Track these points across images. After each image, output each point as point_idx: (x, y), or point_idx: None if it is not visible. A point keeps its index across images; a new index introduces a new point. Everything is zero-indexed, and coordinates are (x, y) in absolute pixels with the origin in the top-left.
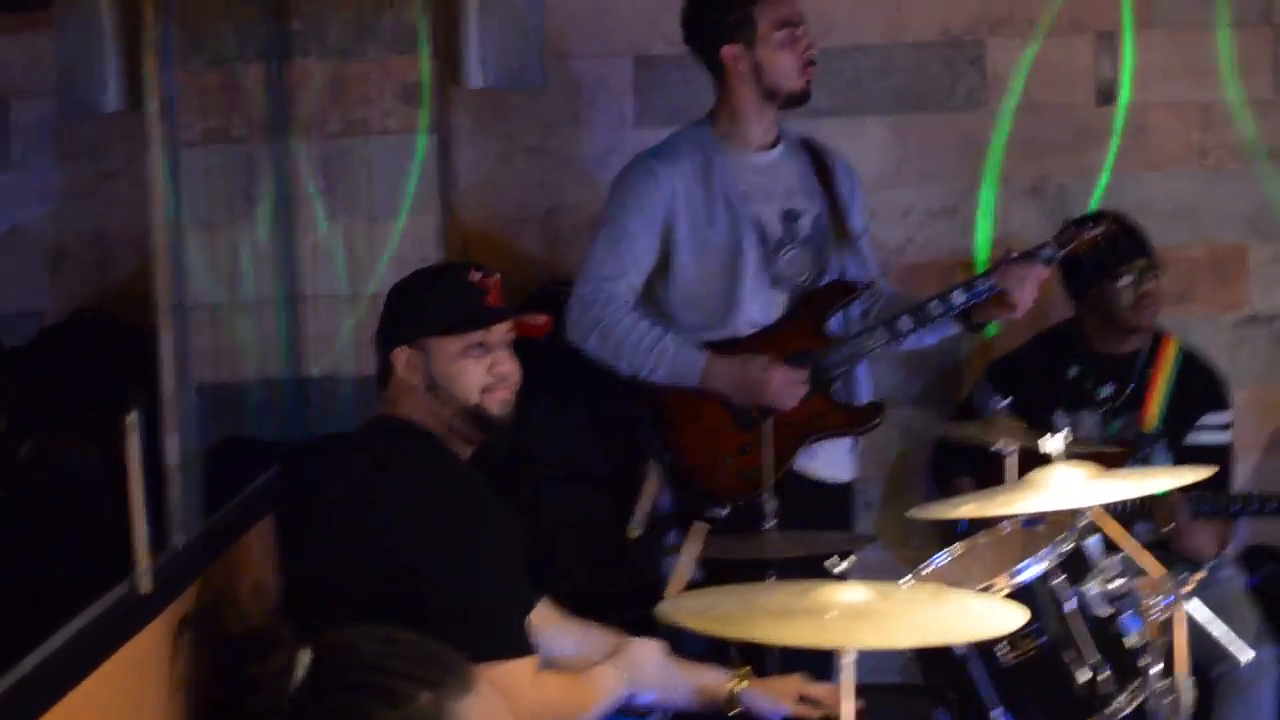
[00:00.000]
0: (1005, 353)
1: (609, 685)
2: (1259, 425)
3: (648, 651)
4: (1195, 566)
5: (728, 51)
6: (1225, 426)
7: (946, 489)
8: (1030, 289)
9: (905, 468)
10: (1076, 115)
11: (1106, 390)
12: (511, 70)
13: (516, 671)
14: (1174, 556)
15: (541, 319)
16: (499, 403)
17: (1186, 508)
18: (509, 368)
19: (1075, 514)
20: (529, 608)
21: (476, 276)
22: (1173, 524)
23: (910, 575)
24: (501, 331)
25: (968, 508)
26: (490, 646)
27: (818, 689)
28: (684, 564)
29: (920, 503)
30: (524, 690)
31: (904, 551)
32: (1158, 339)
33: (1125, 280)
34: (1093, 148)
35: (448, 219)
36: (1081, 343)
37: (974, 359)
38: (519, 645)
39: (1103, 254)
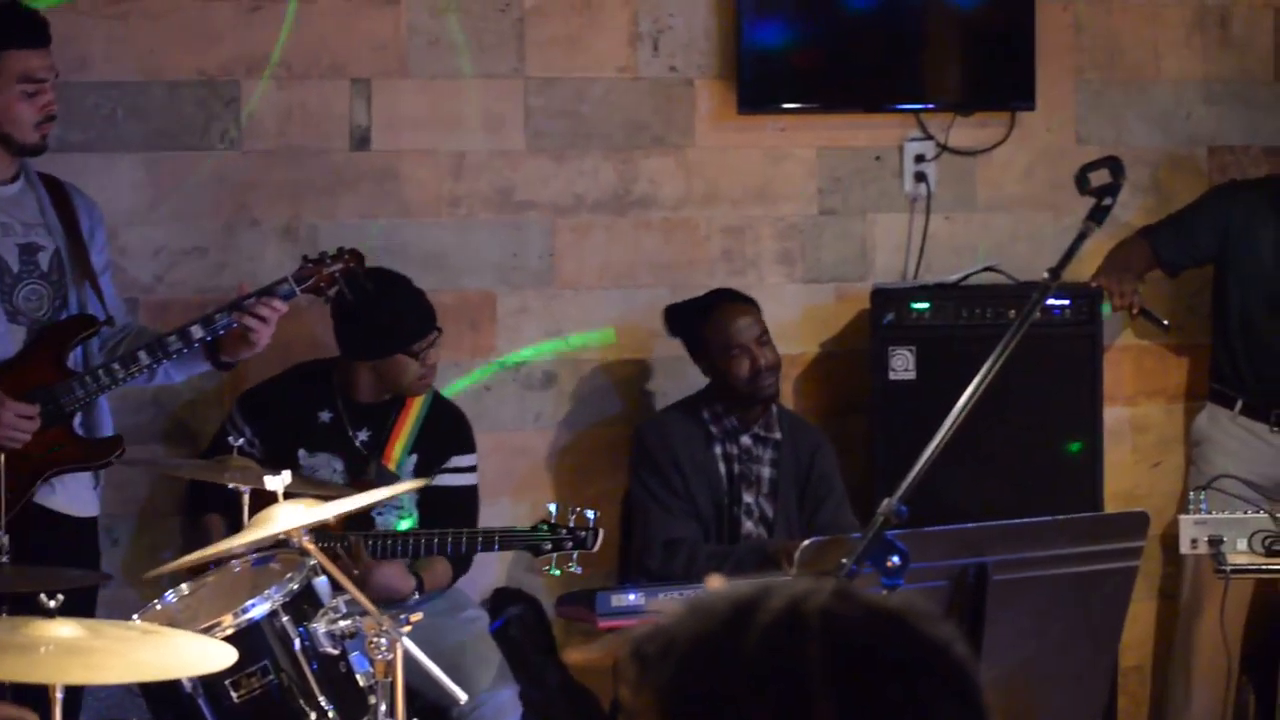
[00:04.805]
0: (259, 383)
1: None
2: (503, 469)
3: None
4: (417, 605)
5: None
6: (470, 469)
7: (195, 527)
8: (269, 325)
9: (157, 505)
10: (331, 160)
11: (363, 435)
12: None
13: None
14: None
15: None
16: None
17: (365, 551)
18: None
19: (304, 554)
20: None
21: None
22: (356, 570)
23: (137, 614)
24: None
25: (185, 560)
26: None
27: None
28: None
29: (174, 538)
30: None
31: (155, 590)
32: None
33: (423, 358)
34: (346, 192)
35: None
36: (342, 389)
37: (226, 394)
38: None
39: (404, 333)
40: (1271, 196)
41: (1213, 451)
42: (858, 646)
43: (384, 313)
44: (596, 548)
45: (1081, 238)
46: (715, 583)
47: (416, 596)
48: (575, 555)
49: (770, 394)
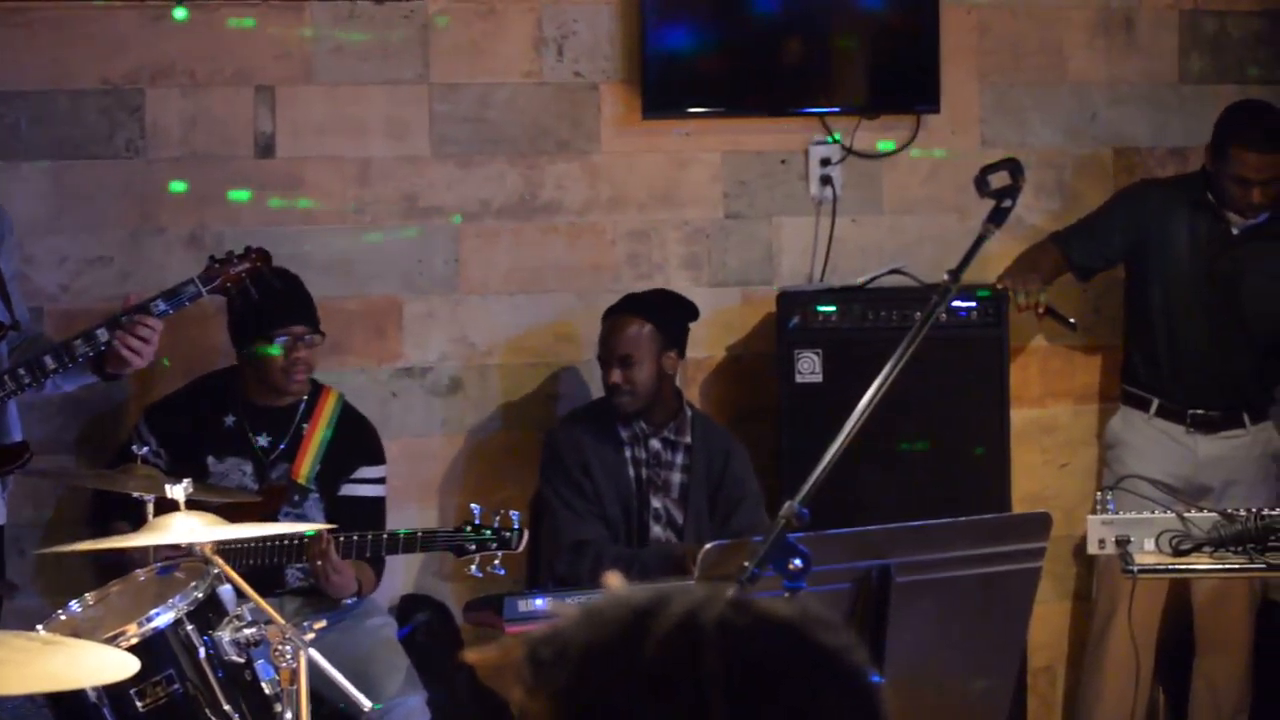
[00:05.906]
0: (164, 396)
1: None
2: (411, 475)
3: None
4: (320, 614)
5: None
6: (379, 480)
7: (102, 536)
8: (148, 344)
9: (65, 515)
10: (236, 167)
11: (263, 440)
12: None
13: None
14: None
15: None
16: None
17: (332, 548)
18: None
19: (208, 562)
20: None
21: None
22: (318, 562)
23: (41, 624)
24: None
25: (83, 545)
26: None
27: None
28: None
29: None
30: None
31: (61, 600)
32: (318, 390)
33: (279, 344)
34: (256, 200)
35: None
36: (240, 392)
37: (135, 406)
38: None
39: (263, 314)
40: (1185, 197)
41: (1127, 454)
42: (754, 656)
43: (254, 300)
44: (521, 548)
45: (981, 240)
46: (613, 581)
47: (352, 600)
48: (499, 556)
49: (621, 410)
